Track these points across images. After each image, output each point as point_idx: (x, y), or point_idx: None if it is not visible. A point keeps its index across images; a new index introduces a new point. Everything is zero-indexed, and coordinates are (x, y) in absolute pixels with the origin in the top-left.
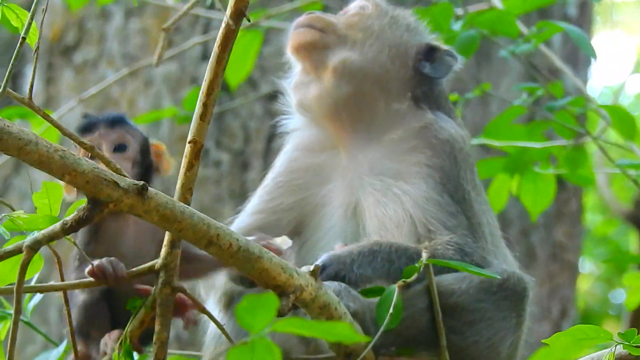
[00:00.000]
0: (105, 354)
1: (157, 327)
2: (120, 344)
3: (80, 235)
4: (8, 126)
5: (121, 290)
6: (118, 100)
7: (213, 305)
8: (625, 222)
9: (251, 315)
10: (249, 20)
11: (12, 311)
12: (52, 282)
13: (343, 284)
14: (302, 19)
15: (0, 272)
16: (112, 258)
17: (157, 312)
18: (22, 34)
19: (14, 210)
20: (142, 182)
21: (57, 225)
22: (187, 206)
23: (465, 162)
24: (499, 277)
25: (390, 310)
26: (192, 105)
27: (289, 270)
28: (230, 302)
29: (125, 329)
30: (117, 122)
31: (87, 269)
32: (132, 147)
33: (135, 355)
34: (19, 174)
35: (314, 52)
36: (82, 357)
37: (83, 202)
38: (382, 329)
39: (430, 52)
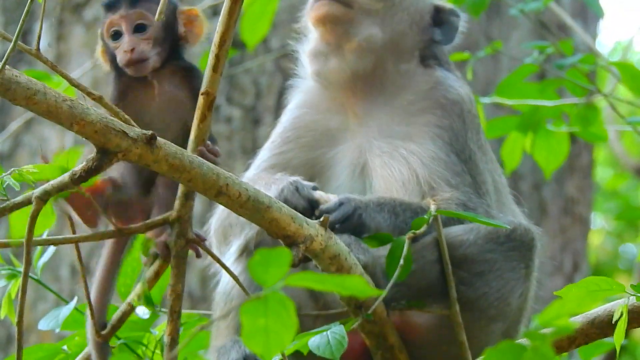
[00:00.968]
0: None
1: (171, 279)
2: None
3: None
4: (16, 76)
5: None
6: None
7: (226, 256)
8: (636, 177)
9: (264, 269)
10: None
11: (22, 268)
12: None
13: (352, 236)
14: None
15: (15, 227)
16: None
17: (172, 263)
18: None
19: None
20: (150, 132)
21: (66, 176)
22: (195, 156)
23: (472, 122)
24: (506, 226)
25: (400, 263)
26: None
27: (298, 220)
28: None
29: (142, 278)
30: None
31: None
32: (154, 26)
33: None
34: (29, 131)
35: (338, 25)
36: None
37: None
38: (392, 281)
39: (436, 14)
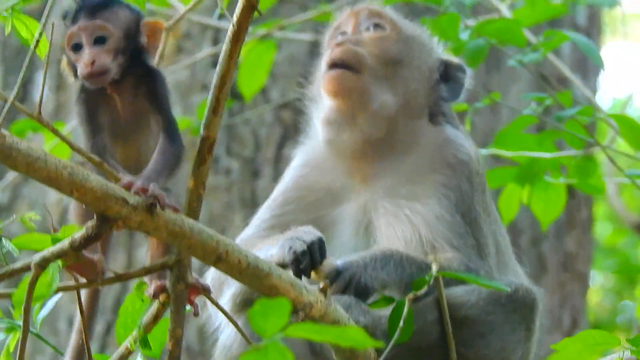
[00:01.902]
0: None
1: (170, 324)
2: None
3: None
4: (17, 143)
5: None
6: None
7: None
8: (635, 233)
9: (264, 319)
10: (259, 14)
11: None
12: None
13: (353, 298)
14: (336, 54)
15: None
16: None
17: (171, 308)
18: (31, 46)
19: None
20: (151, 199)
21: (65, 243)
22: (196, 222)
23: (479, 184)
24: (507, 289)
25: (401, 324)
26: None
27: (298, 287)
28: (245, 303)
29: (139, 322)
30: (98, 9)
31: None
32: (114, 37)
33: None
34: (29, 183)
35: (351, 96)
36: None
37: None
38: (392, 342)
39: (444, 69)
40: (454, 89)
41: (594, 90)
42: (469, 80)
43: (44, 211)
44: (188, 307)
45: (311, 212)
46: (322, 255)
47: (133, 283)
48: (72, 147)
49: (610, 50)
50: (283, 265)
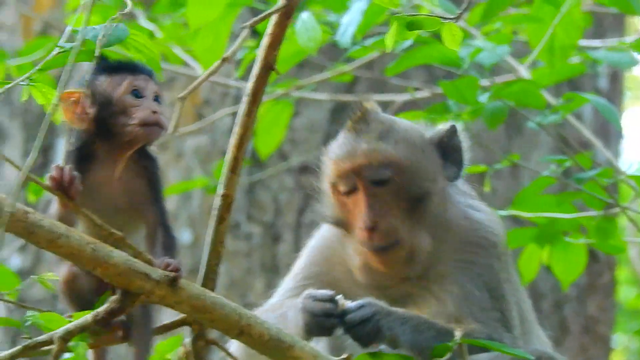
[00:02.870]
0: None
1: None
2: None
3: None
4: (40, 219)
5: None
6: None
7: None
8: None
9: None
10: (277, 73)
11: None
12: None
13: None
14: (378, 243)
15: None
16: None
17: None
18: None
19: None
20: (173, 274)
21: (88, 317)
22: (218, 296)
23: (506, 261)
24: (532, 357)
25: None
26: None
27: (321, 358)
28: None
29: None
30: (154, 76)
31: (48, 176)
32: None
33: None
34: None
35: (399, 265)
36: None
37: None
38: None
39: (439, 148)
40: (455, 159)
41: (615, 154)
42: (462, 136)
43: None
44: None
45: (332, 287)
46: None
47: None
48: (94, 222)
49: (632, 114)
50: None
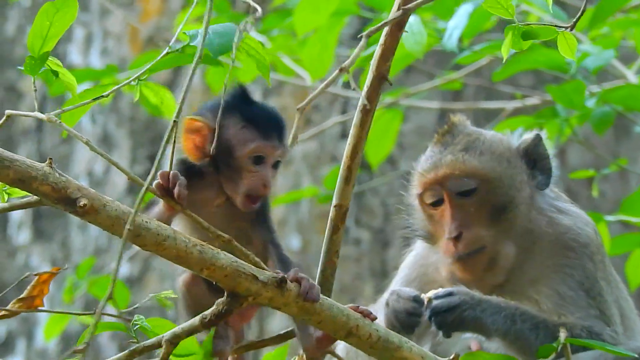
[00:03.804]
0: None
1: None
2: None
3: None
4: (146, 222)
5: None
6: None
7: None
8: None
9: None
10: (390, 84)
11: None
12: None
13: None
14: (462, 251)
15: None
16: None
17: None
18: (173, 118)
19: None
20: (281, 275)
21: (196, 319)
22: (326, 297)
23: (601, 261)
24: (635, 355)
25: None
26: (332, 184)
27: (429, 358)
28: None
29: None
30: (284, 136)
31: (154, 182)
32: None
33: None
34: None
35: (483, 272)
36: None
37: None
38: None
39: (525, 157)
40: (544, 167)
41: None
42: (545, 146)
43: (174, 284)
44: None
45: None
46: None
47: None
48: (202, 225)
49: None
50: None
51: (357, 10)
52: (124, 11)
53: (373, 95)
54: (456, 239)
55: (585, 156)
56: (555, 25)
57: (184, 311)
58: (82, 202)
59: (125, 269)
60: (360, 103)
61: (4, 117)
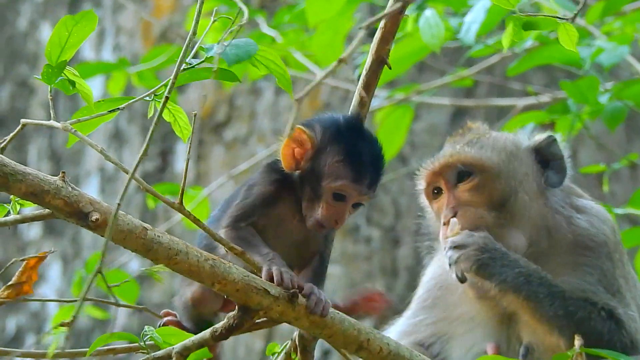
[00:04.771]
0: None
1: None
2: None
3: (260, 195)
4: (158, 236)
5: None
6: None
7: None
8: None
9: None
10: (389, 67)
11: None
12: None
13: None
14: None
15: None
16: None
17: None
18: (165, 94)
19: None
20: (292, 290)
21: (206, 333)
22: (337, 312)
23: (620, 259)
24: None
25: None
26: None
27: None
28: None
29: None
30: (378, 181)
31: (264, 273)
32: None
33: None
34: None
35: None
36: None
37: None
38: None
39: (538, 156)
40: (558, 167)
41: None
42: (561, 146)
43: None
44: None
45: (450, 312)
46: None
47: None
48: (214, 237)
49: None
50: None
51: None
52: (136, 7)
53: (372, 79)
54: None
55: (596, 154)
56: (557, 17)
57: (185, 320)
58: (95, 216)
59: (135, 265)
60: (358, 86)
61: (20, 126)
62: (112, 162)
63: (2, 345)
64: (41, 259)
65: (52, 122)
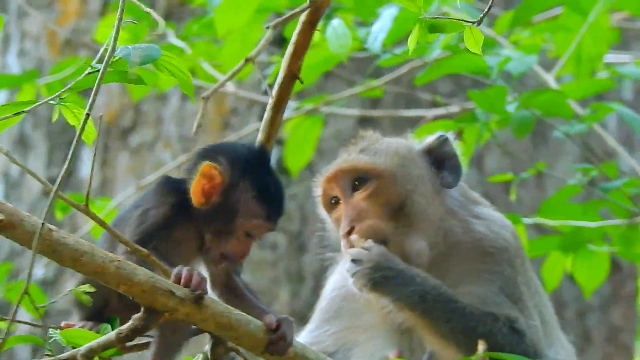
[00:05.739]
0: None
1: None
2: None
3: (157, 219)
4: (64, 237)
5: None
6: None
7: None
8: None
9: None
10: (301, 82)
11: None
12: None
13: None
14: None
15: None
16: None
17: None
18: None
19: None
20: (198, 291)
21: (112, 334)
22: (243, 314)
23: (521, 265)
24: None
25: None
26: None
27: None
28: None
29: None
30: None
31: (173, 274)
32: None
33: None
34: None
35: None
36: None
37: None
38: None
39: (429, 157)
40: (452, 166)
41: None
42: (452, 144)
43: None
44: None
45: (354, 321)
46: None
47: None
48: (120, 239)
49: None
50: None
51: (279, 8)
52: (42, 13)
53: (284, 94)
54: (349, 233)
55: (502, 162)
56: (463, 20)
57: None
58: None
59: (40, 272)
60: (270, 100)
61: None
62: (18, 165)
63: None
64: None
65: None
